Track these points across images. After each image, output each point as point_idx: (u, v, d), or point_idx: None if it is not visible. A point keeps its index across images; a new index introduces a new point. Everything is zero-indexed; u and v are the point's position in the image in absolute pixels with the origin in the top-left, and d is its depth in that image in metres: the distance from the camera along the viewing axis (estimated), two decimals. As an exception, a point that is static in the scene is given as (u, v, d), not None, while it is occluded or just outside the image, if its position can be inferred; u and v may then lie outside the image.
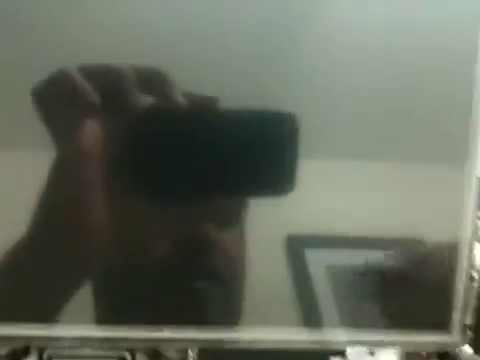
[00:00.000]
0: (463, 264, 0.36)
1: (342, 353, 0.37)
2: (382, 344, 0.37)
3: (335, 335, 0.37)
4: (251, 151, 0.38)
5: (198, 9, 0.37)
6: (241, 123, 0.38)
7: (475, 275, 0.36)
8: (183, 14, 0.37)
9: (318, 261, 0.43)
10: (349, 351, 0.37)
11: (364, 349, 0.37)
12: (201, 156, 0.38)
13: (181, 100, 0.38)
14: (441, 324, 0.37)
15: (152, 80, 0.38)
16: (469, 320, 0.36)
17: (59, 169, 0.38)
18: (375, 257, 0.40)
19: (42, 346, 0.38)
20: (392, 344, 0.37)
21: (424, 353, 0.38)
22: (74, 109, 0.38)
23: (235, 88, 0.38)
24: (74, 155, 0.38)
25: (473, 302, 0.36)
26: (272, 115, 0.38)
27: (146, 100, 0.38)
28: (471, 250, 0.36)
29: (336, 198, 0.41)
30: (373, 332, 0.37)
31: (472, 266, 0.36)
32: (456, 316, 0.37)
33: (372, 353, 0.36)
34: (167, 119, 0.38)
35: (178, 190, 0.39)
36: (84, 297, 0.39)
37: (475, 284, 0.36)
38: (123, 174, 0.38)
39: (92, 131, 0.38)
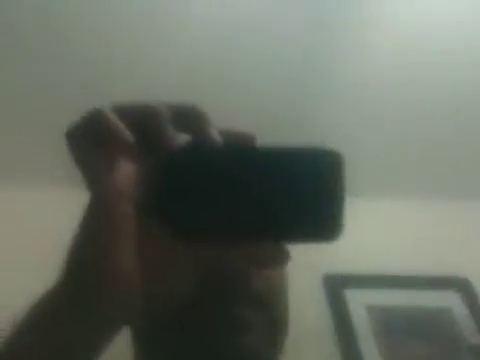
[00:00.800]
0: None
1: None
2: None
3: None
4: (295, 191, 0.36)
5: (236, 43, 0.36)
6: (282, 161, 0.36)
7: None
8: (218, 48, 0.36)
9: (358, 301, 0.40)
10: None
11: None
12: (241, 196, 0.36)
13: (218, 137, 0.36)
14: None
15: (187, 117, 0.37)
16: None
17: (91, 211, 0.36)
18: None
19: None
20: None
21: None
22: (107, 149, 0.37)
23: (274, 123, 0.36)
24: (107, 196, 0.37)
25: None
26: (316, 152, 0.36)
27: (182, 138, 0.36)
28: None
29: (379, 237, 0.38)
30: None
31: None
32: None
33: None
34: (204, 157, 0.37)
35: (215, 232, 0.37)
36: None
37: None
38: (158, 215, 0.36)
39: (126, 171, 0.36)
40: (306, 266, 0.36)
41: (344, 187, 0.35)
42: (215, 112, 0.36)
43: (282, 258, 0.36)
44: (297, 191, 0.36)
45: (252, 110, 0.31)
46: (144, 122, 0.36)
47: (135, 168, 0.36)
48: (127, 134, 0.36)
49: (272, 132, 0.37)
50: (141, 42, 0.31)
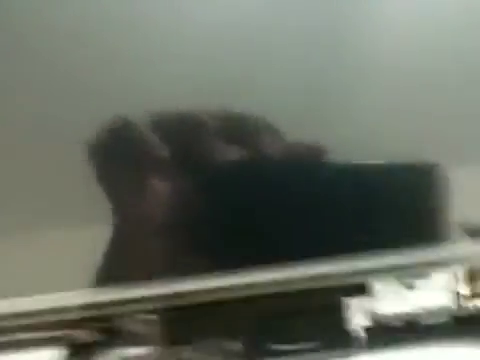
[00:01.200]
0: None
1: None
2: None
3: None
4: (372, 210, 0.29)
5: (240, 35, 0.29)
6: (351, 177, 0.29)
7: None
8: (272, 49, 0.29)
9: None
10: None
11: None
12: (303, 220, 0.29)
13: (275, 151, 0.29)
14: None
15: (237, 128, 0.29)
16: None
17: (118, 239, 0.29)
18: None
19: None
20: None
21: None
22: (138, 166, 0.30)
23: (341, 136, 0.29)
24: (136, 222, 0.29)
25: None
26: (400, 166, 0.29)
27: (230, 152, 0.29)
28: None
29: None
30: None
31: None
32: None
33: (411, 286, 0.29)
34: (258, 174, 0.29)
35: (274, 260, 0.29)
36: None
37: None
38: (200, 243, 0.29)
39: (159, 193, 0.29)
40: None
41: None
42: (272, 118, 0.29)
43: None
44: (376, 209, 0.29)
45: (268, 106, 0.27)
46: (184, 134, 0.29)
47: (170, 189, 0.29)
48: (161, 148, 0.29)
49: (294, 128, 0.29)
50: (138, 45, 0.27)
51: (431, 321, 0.28)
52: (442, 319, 0.28)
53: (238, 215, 0.29)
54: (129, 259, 0.30)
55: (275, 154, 0.29)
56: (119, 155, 0.30)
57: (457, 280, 0.29)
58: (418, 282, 0.29)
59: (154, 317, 0.30)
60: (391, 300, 0.29)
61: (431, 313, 0.28)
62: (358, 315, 0.29)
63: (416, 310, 0.29)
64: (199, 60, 0.30)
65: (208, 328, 0.30)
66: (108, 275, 0.29)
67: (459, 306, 0.28)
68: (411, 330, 0.29)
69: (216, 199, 0.29)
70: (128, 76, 0.30)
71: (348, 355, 0.29)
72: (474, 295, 0.28)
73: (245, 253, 0.29)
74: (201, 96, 0.29)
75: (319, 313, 0.28)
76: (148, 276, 0.29)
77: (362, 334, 0.29)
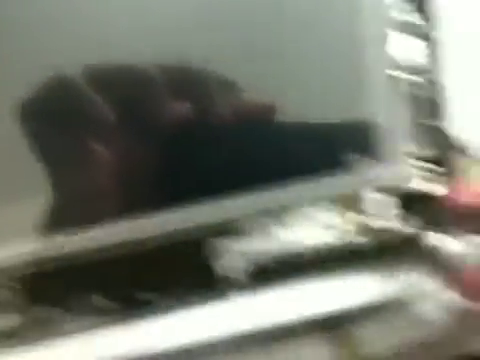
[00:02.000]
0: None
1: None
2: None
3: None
4: None
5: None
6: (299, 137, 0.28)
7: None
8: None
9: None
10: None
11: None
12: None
13: (228, 108, 0.27)
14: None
15: (188, 82, 0.27)
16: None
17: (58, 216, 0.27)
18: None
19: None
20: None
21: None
22: (78, 130, 0.27)
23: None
24: (80, 193, 0.27)
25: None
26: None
27: (183, 108, 0.27)
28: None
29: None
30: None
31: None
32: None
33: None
34: (209, 133, 0.27)
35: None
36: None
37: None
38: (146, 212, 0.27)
39: (104, 160, 0.27)
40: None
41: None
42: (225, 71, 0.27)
43: None
44: None
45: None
46: (128, 89, 0.27)
47: (116, 155, 0.27)
48: (105, 109, 0.26)
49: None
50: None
51: (310, 258, 0.28)
52: (322, 255, 0.28)
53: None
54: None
55: (227, 112, 0.27)
56: (55, 118, 0.26)
57: (337, 215, 0.28)
58: (296, 218, 0.28)
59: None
60: (266, 239, 0.28)
61: (310, 250, 0.28)
62: (233, 257, 0.28)
63: (293, 248, 0.28)
64: (145, 13, 0.27)
65: (76, 285, 0.28)
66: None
67: (340, 242, 0.28)
68: (287, 269, 0.28)
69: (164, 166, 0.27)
70: (65, 28, 0.26)
71: (223, 299, 0.28)
72: (355, 230, 0.28)
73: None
74: (147, 50, 0.27)
75: (190, 258, 0.27)
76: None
77: (238, 276, 0.28)
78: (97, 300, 0.28)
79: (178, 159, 0.27)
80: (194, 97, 0.27)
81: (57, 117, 0.26)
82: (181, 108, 0.27)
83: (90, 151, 0.26)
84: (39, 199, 0.27)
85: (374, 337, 0.31)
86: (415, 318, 0.31)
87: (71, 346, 0.28)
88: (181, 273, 0.27)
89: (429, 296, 0.31)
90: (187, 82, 0.27)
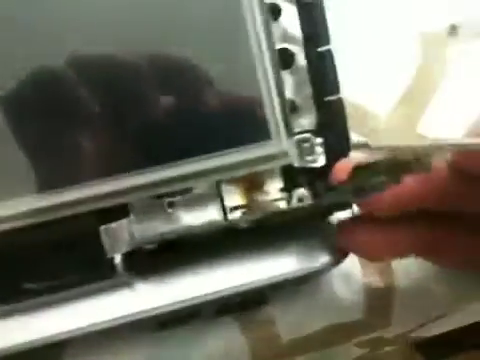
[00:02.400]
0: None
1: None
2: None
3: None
4: None
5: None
6: None
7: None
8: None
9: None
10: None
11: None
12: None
13: (215, 99, 0.27)
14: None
15: (175, 72, 0.26)
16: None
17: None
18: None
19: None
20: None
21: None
22: (62, 121, 0.25)
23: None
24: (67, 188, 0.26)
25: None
26: None
27: (167, 100, 0.26)
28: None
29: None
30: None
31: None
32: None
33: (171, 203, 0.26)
34: (193, 126, 0.27)
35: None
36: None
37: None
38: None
39: (91, 151, 0.26)
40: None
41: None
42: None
43: None
44: None
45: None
46: (115, 82, 0.25)
47: (102, 145, 0.26)
48: (90, 99, 0.25)
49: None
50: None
51: (197, 238, 0.27)
52: (211, 235, 0.27)
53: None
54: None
55: (212, 105, 0.27)
56: (39, 111, 0.25)
57: (225, 192, 0.27)
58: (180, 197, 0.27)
59: None
60: (153, 221, 0.27)
61: (197, 230, 0.27)
62: (118, 241, 0.26)
63: (181, 228, 0.27)
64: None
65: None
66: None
67: (227, 220, 0.27)
68: (179, 250, 0.28)
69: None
70: (48, 17, 0.24)
71: (111, 286, 0.27)
72: (245, 207, 0.27)
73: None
74: (132, 41, 0.25)
75: (74, 243, 0.25)
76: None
77: (123, 261, 0.27)
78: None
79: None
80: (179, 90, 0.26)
81: (40, 107, 0.25)
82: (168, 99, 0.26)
83: (74, 141, 0.25)
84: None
85: (287, 319, 0.32)
86: (328, 298, 0.33)
87: None
88: (62, 259, 0.26)
89: (342, 275, 0.33)
90: (173, 74, 0.26)
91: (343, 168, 0.25)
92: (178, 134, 0.26)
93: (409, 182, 0.25)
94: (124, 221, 0.26)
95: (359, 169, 0.24)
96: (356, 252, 0.28)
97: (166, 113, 0.26)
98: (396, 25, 0.39)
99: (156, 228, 0.27)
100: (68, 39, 0.24)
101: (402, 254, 0.28)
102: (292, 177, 0.27)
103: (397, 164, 0.24)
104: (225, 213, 0.27)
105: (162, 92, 0.26)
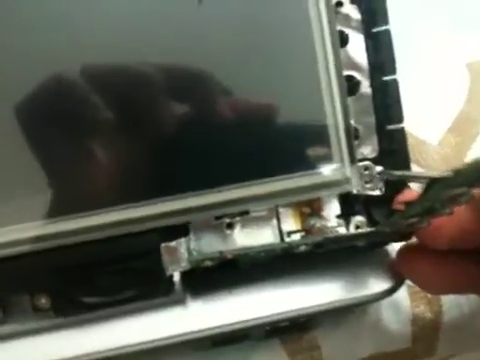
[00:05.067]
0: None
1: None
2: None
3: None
4: None
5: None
6: None
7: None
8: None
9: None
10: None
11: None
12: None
13: (227, 108, 0.27)
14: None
15: (187, 82, 0.26)
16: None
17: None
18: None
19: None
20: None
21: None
22: (76, 130, 0.26)
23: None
24: (78, 195, 0.26)
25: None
26: None
27: (180, 109, 0.27)
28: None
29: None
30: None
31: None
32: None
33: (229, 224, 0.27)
34: (208, 135, 0.26)
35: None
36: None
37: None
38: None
39: (104, 159, 0.26)
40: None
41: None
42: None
43: None
44: None
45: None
46: (128, 91, 0.25)
47: (113, 153, 0.26)
48: (103, 108, 0.25)
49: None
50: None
51: (253, 260, 0.27)
52: (266, 257, 0.27)
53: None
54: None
55: (222, 114, 0.27)
56: (54, 118, 0.25)
57: (282, 215, 0.27)
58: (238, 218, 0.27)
59: None
60: (211, 240, 0.27)
61: (253, 251, 0.27)
62: (177, 259, 0.26)
63: (237, 249, 0.27)
64: (142, 13, 0.26)
65: (10, 284, 0.26)
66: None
67: (283, 243, 0.27)
68: (234, 271, 0.27)
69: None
70: (63, 27, 0.24)
71: (167, 302, 0.27)
72: (301, 231, 0.27)
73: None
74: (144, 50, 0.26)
75: (133, 259, 0.26)
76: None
77: (181, 279, 0.27)
78: (35, 299, 0.26)
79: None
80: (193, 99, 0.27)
81: (55, 115, 0.25)
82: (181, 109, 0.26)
83: (88, 150, 0.26)
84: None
85: (333, 345, 0.32)
86: (375, 326, 0.32)
87: (8, 351, 0.27)
88: (121, 275, 0.26)
89: (390, 303, 0.32)
90: (186, 83, 0.26)
91: (407, 197, 0.25)
92: (243, 157, 0.26)
93: (467, 217, 0.25)
94: (183, 240, 0.26)
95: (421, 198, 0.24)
96: (416, 283, 0.28)
97: (231, 136, 0.26)
98: (446, 55, 0.39)
99: (214, 248, 0.27)
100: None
101: (463, 291, 0.28)
102: (350, 204, 0.27)
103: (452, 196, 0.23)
104: (282, 236, 0.27)
105: (229, 116, 0.26)
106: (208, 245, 0.27)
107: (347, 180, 0.26)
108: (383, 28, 0.26)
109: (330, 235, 0.27)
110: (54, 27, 0.25)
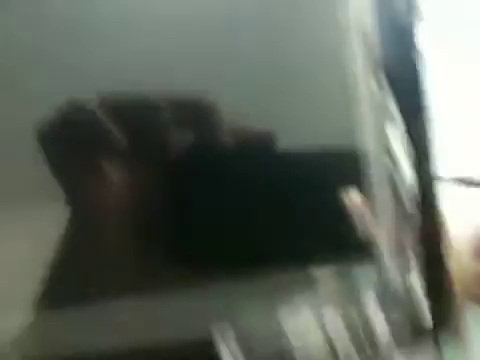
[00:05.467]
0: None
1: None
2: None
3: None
4: (323, 204, 0.30)
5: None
6: (307, 166, 0.30)
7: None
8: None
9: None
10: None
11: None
12: (256, 210, 0.30)
13: (230, 137, 0.30)
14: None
15: (192, 113, 0.30)
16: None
17: (73, 230, 0.29)
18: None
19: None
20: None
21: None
22: (92, 153, 0.29)
23: (290, 121, 0.30)
24: (92, 213, 0.29)
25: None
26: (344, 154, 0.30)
27: (185, 138, 0.30)
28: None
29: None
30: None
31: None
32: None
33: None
34: (212, 161, 0.30)
35: (226, 257, 0.30)
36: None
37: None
38: (155, 235, 0.30)
39: (115, 181, 0.29)
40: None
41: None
42: (226, 103, 0.29)
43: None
44: (326, 205, 0.30)
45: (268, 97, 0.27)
46: (139, 119, 0.29)
47: (127, 177, 0.29)
48: (117, 134, 0.29)
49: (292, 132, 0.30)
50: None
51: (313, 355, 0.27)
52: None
53: (197, 210, 0.30)
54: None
55: (225, 142, 0.29)
56: (72, 141, 0.29)
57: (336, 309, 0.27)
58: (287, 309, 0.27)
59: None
60: (265, 333, 0.27)
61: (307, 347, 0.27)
62: (229, 349, 0.26)
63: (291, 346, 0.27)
64: (155, 46, 0.30)
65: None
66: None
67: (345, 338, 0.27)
68: None
69: (172, 192, 0.29)
70: (81, 56, 0.29)
71: None
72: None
73: (203, 249, 0.30)
74: (156, 81, 0.29)
75: (188, 346, 0.26)
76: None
77: None
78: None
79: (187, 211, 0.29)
80: (198, 128, 0.29)
81: (72, 142, 0.29)
82: (186, 137, 0.29)
83: (103, 175, 0.29)
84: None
85: None
86: None
87: None
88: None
89: None
90: (193, 112, 0.29)
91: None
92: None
93: None
94: (238, 327, 0.28)
95: None
96: None
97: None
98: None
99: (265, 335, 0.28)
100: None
101: None
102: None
103: None
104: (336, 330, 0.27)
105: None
106: (262, 337, 0.27)
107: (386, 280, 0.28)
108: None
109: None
110: (74, 57, 0.29)
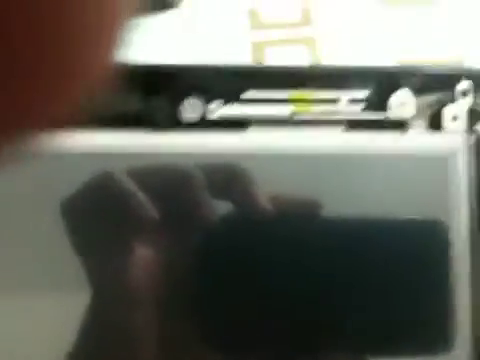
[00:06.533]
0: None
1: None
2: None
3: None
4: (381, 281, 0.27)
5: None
6: (357, 236, 0.27)
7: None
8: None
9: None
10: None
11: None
12: (303, 290, 0.27)
13: (268, 206, 0.27)
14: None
15: (228, 182, 0.27)
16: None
17: (98, 315, 0.26)
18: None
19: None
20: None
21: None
22: (122, 227, 0.27)
23: (332, 188, 0.28)
24: (120, 294, 0.27)
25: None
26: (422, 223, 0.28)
27: (221, 208, 0.27)
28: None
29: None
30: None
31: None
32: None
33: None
34: (252, 233, 0.27)
35: (268, 343, 0.27)
36: None
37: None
38: (189, 318, 0.27)
39: (146, 259, 0.27)
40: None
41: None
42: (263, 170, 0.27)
43: None
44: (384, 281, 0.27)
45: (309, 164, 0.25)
46: (172, 190, 0.27)
47: (160, 253, 0.27)
48: (149, 207, 0.27)
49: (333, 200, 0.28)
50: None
51: None
52: None
53: (234, 289, 0.27)
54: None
55: (264, 210, 0.27)
56: (100, 215, 0.27)
57: None
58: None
59: None
60: None
61: None
62: None
63: None
64: None
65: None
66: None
67: None
68: None
69: (208, 265, 0.27)
70: None
71: None
72: None
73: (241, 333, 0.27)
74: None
75: None
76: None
77: None
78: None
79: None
80: (234, 196, 0.27)
81: (101, 215, 0.27)
82: (220, 207, 0.27)
83: (133, 250, 0.27)
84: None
85: None
86: None
87: None
88: None
89: None
90: (227, 181, 0.27)
91: None
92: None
93: None
94: None
95: None
96: None
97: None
98: None
99: None
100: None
101: None
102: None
103: None
104: None
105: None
106: None
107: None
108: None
109: None
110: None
